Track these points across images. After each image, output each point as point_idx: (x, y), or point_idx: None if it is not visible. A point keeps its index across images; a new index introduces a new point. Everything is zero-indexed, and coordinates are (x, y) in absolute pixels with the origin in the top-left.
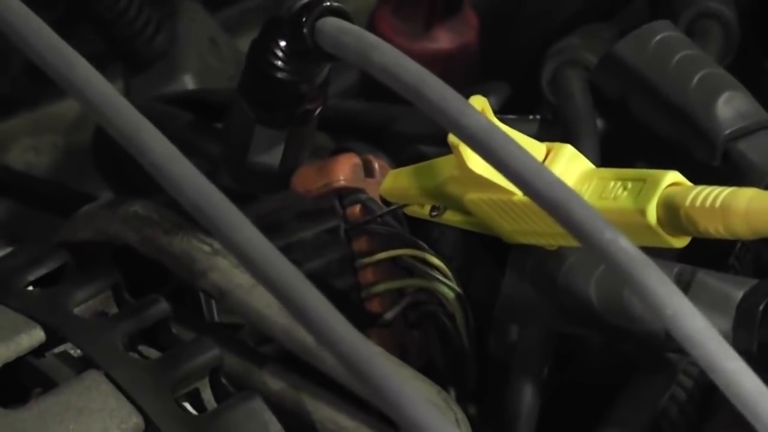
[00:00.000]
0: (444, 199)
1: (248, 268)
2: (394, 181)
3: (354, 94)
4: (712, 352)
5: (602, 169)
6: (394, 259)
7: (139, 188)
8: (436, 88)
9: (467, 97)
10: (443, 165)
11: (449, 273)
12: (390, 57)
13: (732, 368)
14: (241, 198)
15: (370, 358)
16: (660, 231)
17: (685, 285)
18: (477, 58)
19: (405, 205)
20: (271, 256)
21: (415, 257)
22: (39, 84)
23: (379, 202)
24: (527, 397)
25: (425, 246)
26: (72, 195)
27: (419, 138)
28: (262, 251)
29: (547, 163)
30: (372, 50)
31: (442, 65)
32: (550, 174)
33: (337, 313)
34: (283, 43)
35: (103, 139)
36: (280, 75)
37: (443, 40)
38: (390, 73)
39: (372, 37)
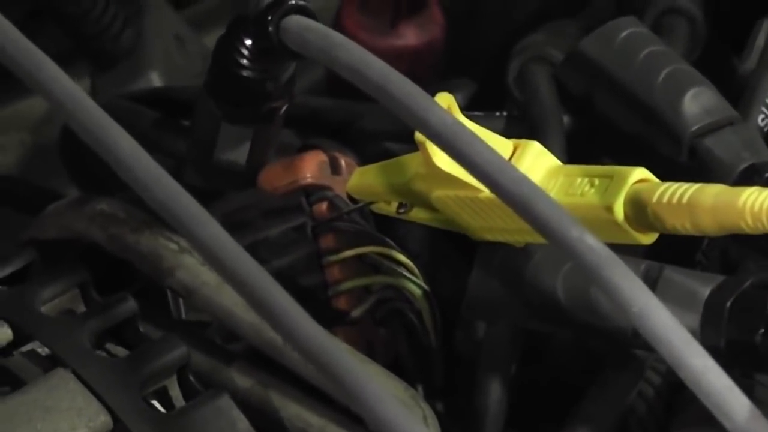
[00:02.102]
0: (411, 196)
1: (213, 266)
2: (361, 178)
3: (321, 90)
4: (678, 349)
5: (569, 166)
6: (360, 257)
7: (106, 186)
8: (401, 86)
9: (433, 94)
10: (410, 162)
11: (416, 270)
12: (354, 55)
13: (699, 365)
14: (208, 196)
15: (337, 356)
16: (627, 227)
17: (652, 282)
18: (443, 55)
19: (372, 203)
20: (236, 253)
21: (381, 254)
22: (4, 82)
23: (346, 199)
24: (495, 394)
25: (392, 243)
26: (39, 193)
27: (386, 135)
28: (227, 249)
29: (513, 160)
30: (336, 48)
31: (408, 62)
32: (516, 171)
33: (302, 311)
34: (248, 42)
35: (70, 137)
36: (245, 73)
37: (409, 36)
38: (355, 70)
39: (337, 35)
